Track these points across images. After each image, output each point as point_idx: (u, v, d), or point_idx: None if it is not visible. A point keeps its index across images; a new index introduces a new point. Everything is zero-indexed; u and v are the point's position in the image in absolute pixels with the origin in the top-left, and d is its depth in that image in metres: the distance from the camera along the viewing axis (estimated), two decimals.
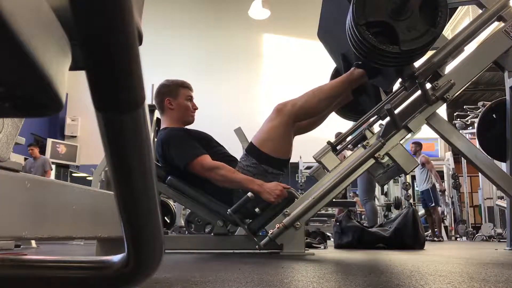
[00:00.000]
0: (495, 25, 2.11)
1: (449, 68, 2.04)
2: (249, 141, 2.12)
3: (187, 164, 2.02)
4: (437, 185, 7.12)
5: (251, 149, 2.06)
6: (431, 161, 7.25)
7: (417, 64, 1.92)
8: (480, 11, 2.10)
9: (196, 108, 2.29)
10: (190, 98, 2.27)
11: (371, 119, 2.11)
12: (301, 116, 2.06)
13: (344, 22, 1.77)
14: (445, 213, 8.39)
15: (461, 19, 7.74)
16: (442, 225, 7.76)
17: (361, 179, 5.30)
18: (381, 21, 1.69)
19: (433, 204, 6.96)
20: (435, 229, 6.94)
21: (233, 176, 1.98)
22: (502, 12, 2.03)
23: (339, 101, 2.27)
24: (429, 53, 1.93)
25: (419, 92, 1.94)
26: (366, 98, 2.38)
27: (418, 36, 1.68)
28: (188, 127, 2.29)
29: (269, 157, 2.03)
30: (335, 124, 3.19)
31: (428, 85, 1.96)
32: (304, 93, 2.08)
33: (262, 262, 1.52)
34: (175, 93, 2.24)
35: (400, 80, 2.03)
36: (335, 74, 2.45)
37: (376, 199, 8.36)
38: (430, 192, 6.97)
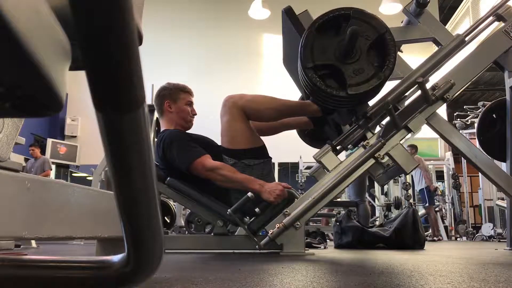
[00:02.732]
0: (495, 25, 2.11)
1: (452, 64, 2.04)
2: (220, 146, 2.15)
3: (188, 165, 2.02)
4: (427, 185, 7.15)
5: (225, 152, 2.09)
6: (424, 161, 7.27)
7: (373, 100, 1.91)
8: (481, 9, 2.10)
9: (195, 114, 2.29)
10: (190, 103, 2.27)
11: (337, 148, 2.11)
12: (246, 110, 2.08)
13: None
14: (443, 210, 8.39)
15: (461, 19, 7.74)
16: (442, 225, 7.77)
17: None
18: (329, 64, 1.68)
19: (427, 204, 7.00)
20: (434, 228, 6.97)
21: (234, 176, 1.98)
22: (502, 12, 2.03)
23: (295, 123, 2.38)
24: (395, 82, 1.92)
25: (419, 92, 1.94)
26: (328, 129, 2.43)
27: (366, 80, 1.67)
28: (188, 130, 2.29)
29: (243, 151, 2.06)
30: None
31: (433, 81, 1.95)
32: (258, 94, 2.19)
33: (262, 262, 1.52)
34: (175, 96, 2.24)
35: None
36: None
37: (376, 199, 8.36)
38: (425, 192, 7.02)
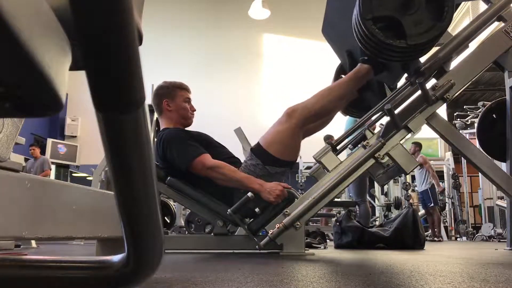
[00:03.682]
0: (495, 25, 2.11)
1: (453, 64, 2.04)
2: (257, 141, 2.12)
3: (188, 164, 2.02)
4: (436, 186, 7.12)
5: (257, 150, 2.06)
6: (429, 161, 7.25)
7: (422, 59, 1.92)
8: (481, 8, 2.10)
9: (194, 110, 2.29)
10: (188, 100, 2.27)
11: (375, 116, 2.11)
12: (311, 119, 2.06)
13: (350, 18, 1.77)
14: (446, 210, 8.40)
15: (461, 19, 7.74)
16: (442, 225, 7.77)
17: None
18: (388, 15, 1.69)
19: (432, 204, 6.96)
20: (435, 229, 6.95)
21: (234, 175, 1.98)
22: (502, 12, 2.03)
23: (345, 99, 2.27)
24: (433, 50, 1.93)
25: (419, 92, 1.94)
26: (371, 94, 2.37)
27: (425, 31, 1.68)
28: (187, 128, 2.29)
29: (274, 159, 2.03)
30: (335, 124, 3.18)
31: (433, 81, 1.96)
32: (313, 95, 2.08)
33: (262, 262, 1.52)
34: (173, 94, 2.24)
35: (405, 75, 2.03)
36: (340, 70, 2.46)
37: (376, 199, 8.37)
38: (429, 192, 6.97)
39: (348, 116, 3.88)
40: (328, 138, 4.68)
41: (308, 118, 2.03)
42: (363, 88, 2.28)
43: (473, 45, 2.11)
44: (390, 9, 1.69)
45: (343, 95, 2.13)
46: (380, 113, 2.08)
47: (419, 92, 1.94)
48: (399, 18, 1.68)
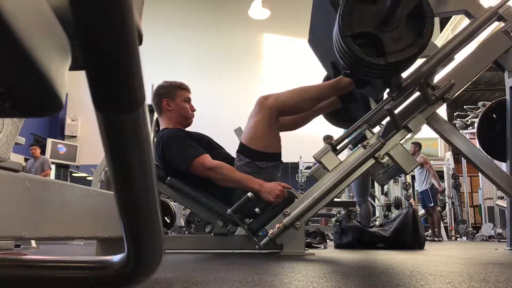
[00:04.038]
0: (495, 25, 2.11)
1: (449, 68, 2.04)
2: (239, 142, 2.12)
3: (188, 164, 2.02)
4: (436, 185, 7.12)
5: (242, 149, 2.07)
6: (430, 161, 7.25)
7: (405, 74, 1.91)
8: None
9: (194, 110, 2.29)
10: (188, 100, 2.27)
11: (361, 128, 2.10)
12: (283, 110, 2.06)
13: (332, 31, 1.77)
14: (446, 210, 8.40)
15: (461, 19, 7.74)
16: (442, 225, 7.77)
17: (355, 181, 5.28)
18: (368, 32, 1.68)
19: (432, 204, 6.96)
20: (435, 229, 6.95)
21: (233, 175, 1.98)
22: (502, 12, 2.03)
23: (325, 105, 2.30)
24: (419, 61, 1.92)
25: (418, 93, 1.94)
26: (355, 106, 2.39)
27: (404, 48, 1.66)
28: (187, 128, 2.29)
29: (260, 153, 2.04)
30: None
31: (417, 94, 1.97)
32: (289, 89, 2.10)
33: (262, 262, 1.52)
34: (173, 94, 2.23)
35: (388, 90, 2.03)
36: (327, 80, 2.46)
37: (376, 199, 8.37)
38: (429, 193, 6.97)
39: None
40: (328, 138, 4.68)
41: (280, 109, 2.03)
42: (347, 100, 2.31)
43: (473, 45, 2.12)
44: (370, 26, 1.67)
45: (318, 98, 2.15)
46: (366, 125, 2.07)
47: (418, 93, 1.94)
48: (379, 35, 1.67)
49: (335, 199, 3.39)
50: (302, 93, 2.09)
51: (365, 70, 1.73)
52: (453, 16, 8.12)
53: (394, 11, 1.64)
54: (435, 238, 6.71)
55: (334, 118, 2.55)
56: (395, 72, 1.81)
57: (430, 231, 6.95)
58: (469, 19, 2.09)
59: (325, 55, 2.33)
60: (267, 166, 2.05)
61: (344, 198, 6.42)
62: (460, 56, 2.04)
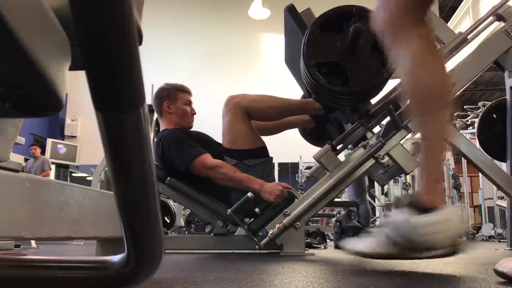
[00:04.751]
0: (495, 25, 2.11)
1: (453, 64, 2.03)
2: (221, 147, 2.13)
3: (188, 164, 2.02)
4: None
5: (226, 152, 2.08)
6: None
7: (373, 100, 1.91)
8: (481, 8, 2.10)
9: (195, 113, 2.29)
10: (189, 103, 2.27)
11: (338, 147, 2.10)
12: (249, 111, 2.07)
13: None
14: None
15: (461, 19, 7.74)
16: None
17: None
18: (332, 61, 1.68)
19: None
20: None
21: (234, 174, 1.98)
22: (502, 12, 2.03)
23: (296, 121, 2.37)
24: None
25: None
26: (330, 127, 2.41)
27: (369, 77, 1.66)
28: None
29: (245, 151, 2.05)
30: None
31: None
32: (259, 93, 2.17)
33: (262, 262, 1.52)
34: (173, 97, 2.24)
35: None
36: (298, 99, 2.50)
37: (376, 199, 8.36)
38: None
39: None
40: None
41: (247, 108, 2.05)
42: (322, 121, 2.34)
43: (473, 45, 2.12)
44: (334, 55, 1.67)
45: (286, 111, 2.20)
46: (341, 145, 2.07)
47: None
48: (343, 64, 1.66)
49: (335, 199, 3.39)
50: (270, 101, 2.14)
51: (330, 98, 1.73)
52: (454, 16, 8.12)
53: (357, 41, 1.64)
54: None
55: (309, 137, 2.62)
56: (361, 101, 1.81)
57: None
58: (439, 45, 2.08)
59: (299, 75, 2.35)
60: (255, 163, 2.06)
61: (344, 198, 6.41)
62: (460, 56, 2.04)
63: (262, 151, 2.12)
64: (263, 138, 2.22)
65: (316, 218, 6.52)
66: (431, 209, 0.95)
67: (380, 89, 1.75)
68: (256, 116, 2.13)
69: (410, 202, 0.98)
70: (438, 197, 1.00)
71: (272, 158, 2.18)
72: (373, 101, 1.93)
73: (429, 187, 1.01)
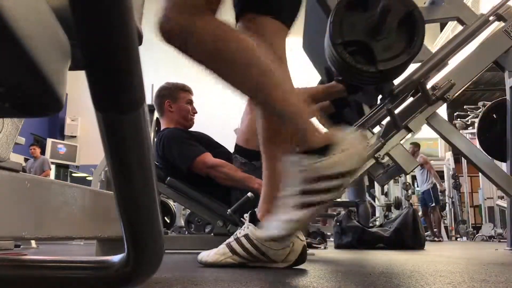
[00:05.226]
0: (495, 25, 2.11)
1: (453, 64, 2.03)
2: (235, 144, 2.13)
3: (189, 163, 2.02)
4: (438, 185, 7.13)
5: (238, 150, 2.07)
6: (430, 161, 7.27)
7: (398, 79, 1.92)
8: (481, 8, 2.10)
9: (196, 112, 2.29)
10: (190, 102, 2.27)
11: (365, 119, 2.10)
12: None
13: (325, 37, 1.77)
14: (446, 210, 8.42)
15: None
16: (442, 225, 7.77)
17: None
18: (358, 40, 1.69)
19: (433, 204, 6.98)
20: (434, 229, 6.96)
21: (235, 174, 1.98)
22: (502, 12, 2.03)
23: (318, 109, 2.31)
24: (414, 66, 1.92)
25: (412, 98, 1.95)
26: (349, 111, 2.40)
27: (395, 56, 1.67)
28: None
29: (257, 153, 2.04)
30: None
31: (435, 80, 1.96)
32: None
33: None
34: (175, 96, 2.24)
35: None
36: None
37: (376, 199, 8.36)
38: (431, 192, 6.99)
39: None
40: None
41: None
42: (341, 105, 2.32)
43: (473, 45, 2.11)
44: (360, 34, 1.68)
45: (311, 100, 2.15)
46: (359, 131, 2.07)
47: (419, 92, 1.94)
48: (369, 43, 1.67)
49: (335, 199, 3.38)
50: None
51: (356, 77, 1.74)
52: None
53: (384, 19, 1.65)
54: (435, 238, 6.72)
55: (327, 122, 2.57)
56: (386, 79, 1.81)
57: (429, 231, 6.95)
58: (462, 26, 2.09)
59: (319, 60, 2.34)
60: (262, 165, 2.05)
61: (345, 198, 6.41)
62: (460, 56, 2.04)
63: None
64: None
65: (316, 218, 6.51)
66: (323, 148, 0.92)
67: (406, 67, 1.76)
68: None
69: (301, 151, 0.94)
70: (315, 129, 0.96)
71: None
72: (396, 82, 1.93)
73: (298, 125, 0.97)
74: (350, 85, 2.01)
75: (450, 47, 1.98)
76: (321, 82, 2.46)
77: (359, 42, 1.69)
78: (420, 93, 1.91)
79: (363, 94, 2.12)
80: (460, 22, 2.08)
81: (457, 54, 2.01)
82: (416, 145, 6.60)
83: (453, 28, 7.97)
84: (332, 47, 1.68)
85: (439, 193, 7.47)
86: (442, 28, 8.91)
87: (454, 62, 2.05)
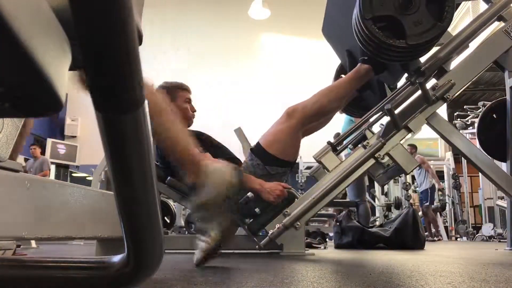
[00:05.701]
0: (495, 25, 2.11)
1: (453, 64, 2.04)
2: (257, 141, 2.11)
3: None
4: (436, 184, 7.15)
5: (257, 150, 2.05)
6: (427, 161, 7.28)
7: (422, 59, 1.92)
8: (481, 8, 2.10)
9: (195, 111, 2.29)
10: (189, 101, 2.27)
11: (375, 116, 2.11)
12: (311, 118, 2.04)
13: (350, 17, 1.77)
14: (446, 210, 8.43)
15: (461, 19, 7.74)
16: (442, 225, 7.78)
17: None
18: (388, 15, 1.69)
19: (427, 203, 7.01)
20: (432, 229, 6.99)
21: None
22: (502, 12, 2.03)
23: (345, 99, 2.27)
24: (433, 50, 1.92)
25: (419, 92, 1.94)
26: (371, 94, 2.37)
27: (425, 31, 1.68)
28: (188, 128, 2.29)
29: (275, 159, 2.01)
30: (335, 124, 3.19)
31: (434, 81, 1.97)
32: (313, 95, 2.07)
33: (262, 262, 1.52)
34: (173, 95, 2.24)
35: (405, 75, 2.03)
36: (340, 70, 2.46)
37: (376, 199, 8.36)
38: (429, 192, 7.01)
39: (344, 115, 3.89)
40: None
41: (308, 118, 2.02)
42: (363, 87, 2.28)
43: (473, 45, 2.11)
44: (391, 9, 1.70)
45: (343, 95, 2.13)
46: (380, 113, 2.07)
47: (419, 92, 1.94)
48: (399, 18, 1.68)
49: (335, 199, 3.39)
50: (327, 95, 2.06)
51: (386, 53, 1.74)
52: (454, 15, 8.12)
53: None
54: (435, 238, 6.72)
55: (348, 107, 2.52)
56: (415, 55, 1.82)
57: (427, 231, 6.97)
58: (487, 4, 2.08)
59: (340, 43, 2.33)
60: (276, 172, 2.03)
61: (347, 198, 6.42)
62: (460, 56, 2.04)
63: (290, 164, 2.09)
64: None
65: (316, 218, 6.52)
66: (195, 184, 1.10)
67: (436, 42, 1.76)
68: (320, 117, 2.09)
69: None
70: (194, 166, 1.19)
71: (292, 168, 2.15)
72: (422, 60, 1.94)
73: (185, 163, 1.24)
74: (376, 63, 2.00)
75: (474, 26, 1.99)
76: (340, 66, 2.44)
77: (389, 17, 1.70)
78: (421, 92, 1.91)
79: (388, 73, 2.10)
80: (486, 0, 2.08)
81: (478, 36, 2.00)
82: (413, 147, 6.62)
83: (453, 28, 7.97)
84: (361, 22, 1.69)
85: (439, 193, 7.48)
86: None
87: (454, 62, 2.05)
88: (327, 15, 2.32)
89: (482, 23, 2.00)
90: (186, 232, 3.64)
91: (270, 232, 1.81)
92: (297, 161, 8.32)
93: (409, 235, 2.97)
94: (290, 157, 2.05)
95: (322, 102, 2.04)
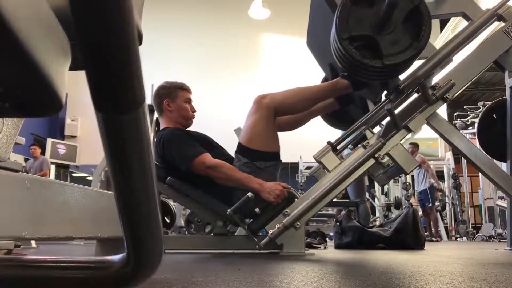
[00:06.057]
0: (495, 25, 2.11)
1: (453, 65, 2.03)
2: (238, 142, 2.12)
3: (188, 163, 2.02)
4: (435, 184, 7.14)
5: (240, 149, 2.07)
6: (427, 161, 7.28)
7: (403, 75, 1.92)
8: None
9: (195, 111, 2.29)
10: (189, 101, 2.27)
11: (358, 131, 2.10)
12: (280, 110, 2.07)
13: (330, 33, 1.77)
14: (446, 210, 8.43)
15: (461, 19, 7.73)
16: (442, 225, 7.77)
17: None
18: (365, 35, 1.68)
19: (430, 204, 6.99)
20: (432, 229, 6.99)
21: (234, 174, 1.98)
22: (502, 12, 2.03)
23: (322, 107, 2.31)
24: (417, 63, 1.92)
25: (417, 94, 1.94)
26: (353, 108, 2.39)
27: (401, 50, 1.67)
28: (188, 128, 2.29)
29: (259, 153, 2.04)
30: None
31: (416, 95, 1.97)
32: (287, 89, 2.12)
33: (262, 262, 1.52)
34: (174, 95, 2.24)
35: (385, 92, 2.03)
36: (325, 82, 2.47)
37: (376, 199, 8.36)
38: (428, 192, 7.00)
39: None
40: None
41: (277, 108, 2.04)
42: (345, 101, 2.31)
43: (473, 45, 2.11)
44: (367, 28, 1.68)
45: (315, 99, 2.17)
46: (364, 126, 2.07)
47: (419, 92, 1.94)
48: (376, 37, 1.67)
49: (335, 199, 3.39)
50: (299, 93, 2.11)
51: (363, 72, 1.73)
52: (453, 18, 8.11)
53: (390, 14, 1.65)
54: (433, 238, 6.72)
55: (332, 119, 2.57)
56: (392, 74, 1.81)
57: (427, 231, 6.96)
58: (467, 21, 2.08)
59: (323, 56, 2.33)
60: (265, 166, 2.05)
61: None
62: (460, 56, 2.04)
63: (275, 156, 2.11)
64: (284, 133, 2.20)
65: (316, 218, 6.53)
66: None
67: (413, 61, 1.75)
68: (287, 111, 2.13)
69: None
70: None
71: (281, 161, 2.16)
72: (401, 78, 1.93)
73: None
74: (355, 80, 2.01)
75: (455, 43, 1.98)
76: (324, 79, 2.46)
77: (365, 37, 1.69)
78: (423, 92, 1.91)
79: (368, 90, 2.11)
80: (466, 17, 2.08)
81: (461, 50, 2.01)
82: (415, 145, 6.61)
83: (453, 28, 7.98)
84: (338, 42, 1.68)
85: (439, 193, 7.48)
86: (442, 28, 8.91)
87: (454, 61, 2.05)
88: (310, 28, 2.33)
89: (463, 39, 1.99)
90: (186, 232, 3.64)
91: (270, 232, 1.81)
92: (297, 161, 8.32)
93: (409, 235, 2.97)
94: (271, 148, 2.08)
95: (292, 97, 2.09)
